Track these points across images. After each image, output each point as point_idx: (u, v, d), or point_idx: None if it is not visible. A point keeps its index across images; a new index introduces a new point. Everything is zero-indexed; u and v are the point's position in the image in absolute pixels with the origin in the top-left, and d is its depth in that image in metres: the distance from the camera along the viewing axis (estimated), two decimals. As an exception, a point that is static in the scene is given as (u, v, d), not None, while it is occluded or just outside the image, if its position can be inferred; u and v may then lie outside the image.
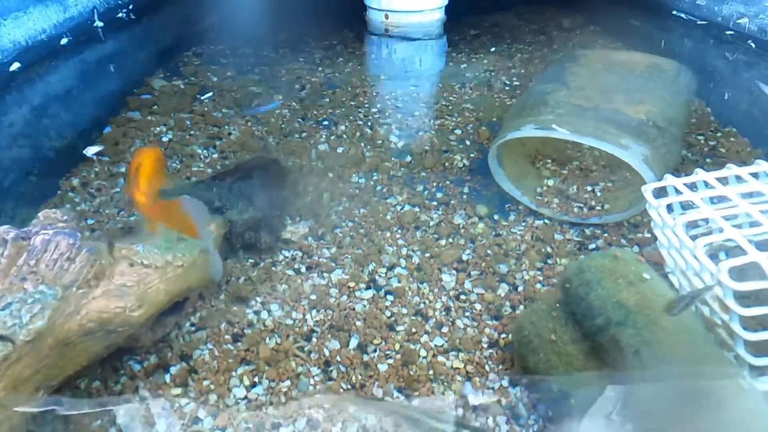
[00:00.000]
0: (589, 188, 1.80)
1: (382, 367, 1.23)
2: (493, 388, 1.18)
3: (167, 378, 1.20)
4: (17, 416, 0.95)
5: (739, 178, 1.20)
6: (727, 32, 2.74)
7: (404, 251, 1.57)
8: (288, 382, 1.19)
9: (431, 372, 1.21)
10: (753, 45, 2.58)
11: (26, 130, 2.10)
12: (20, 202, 1.70)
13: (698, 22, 2.95)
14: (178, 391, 1.17)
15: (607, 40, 3.20)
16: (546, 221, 1.69)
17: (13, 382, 0.93)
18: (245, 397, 1.16)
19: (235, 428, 1.09)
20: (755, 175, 1.19)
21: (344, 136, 2.14)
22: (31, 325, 0.94)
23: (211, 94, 2.45)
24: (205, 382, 1.19)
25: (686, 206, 1.19)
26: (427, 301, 1.40)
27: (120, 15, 2.89)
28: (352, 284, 1.45)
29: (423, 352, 1.26)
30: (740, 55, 2.63)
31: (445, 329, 1.33)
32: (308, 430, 1.09)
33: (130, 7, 2.95)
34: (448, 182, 1.88)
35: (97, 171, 1.88)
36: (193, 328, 1.32)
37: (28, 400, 0.97)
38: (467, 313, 1.37)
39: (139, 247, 1.17)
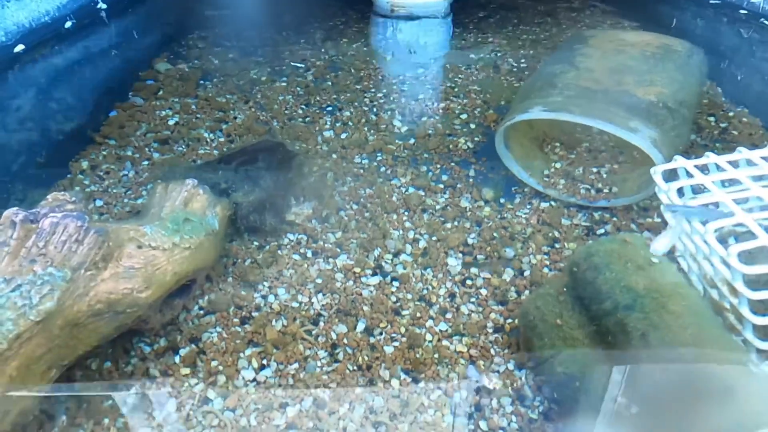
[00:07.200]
0: (595, 170, 1.78)
1: (389, 350, 1.24)
2: (498, 371, 1.19)
3: (177, 359, 1.21)
4: (30, 396, 0.96)
5: (750, 162, 1.18)
6: (741, 11, 2.68)
7: (410, 235, 1.57)
8: (296, 365, 1.20)
9: (437, 355, 1.22)
10: (767, 24, 2.52)
11: (33, 114, 2.10)
12: (29, 185, 1.71)
13: (711, 1, 2.89)
14: (188, 371, 1.18)
15: (617, 19, 3.14)
16: (552, 203, 1.68)
17: (27, 361, 0.95)
18: (254, 379, 1.17)
19: (244, 409, 1.11)
20: (767, 159, 1.17)
21: (350, 122, 2.12)
22: (41, 306, 0.95)
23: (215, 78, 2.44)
24: (214, 363, 1.20)
25: (696, 190, 1.18)
26: (431, 287, 1.40)
27: (123, -4, 2.86)
28: (357, 270, 1.45)
29: (429, 336, 1.27)
30: (754, 34, 2.58)
31: (449, 315, 1.33)
32: (315, 409, 1.10)
33: (134, -12, 2.92)
34: (453, 164, 1.86)
35: (105, 154, 1.88)
36: (201, 312, 1.33)
37: (41, 379, 0.98)
38: (473, 299, 1.37)
39: (147, 228, 1.17)
